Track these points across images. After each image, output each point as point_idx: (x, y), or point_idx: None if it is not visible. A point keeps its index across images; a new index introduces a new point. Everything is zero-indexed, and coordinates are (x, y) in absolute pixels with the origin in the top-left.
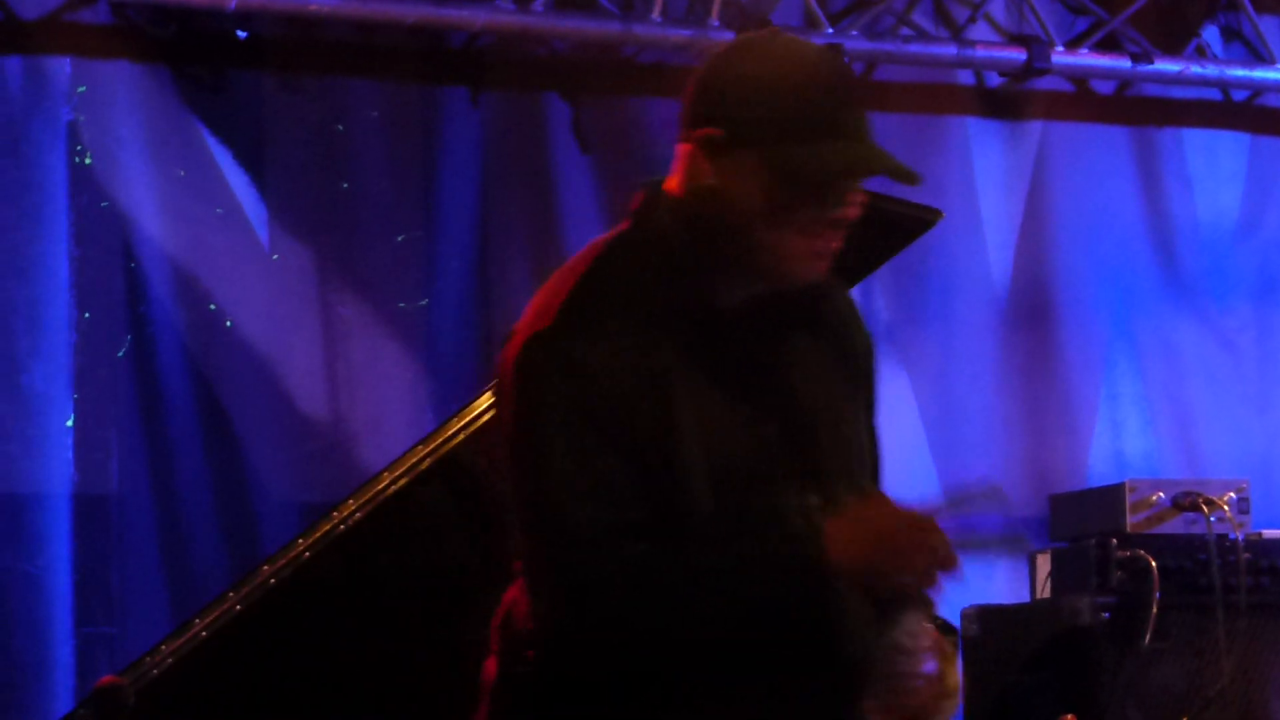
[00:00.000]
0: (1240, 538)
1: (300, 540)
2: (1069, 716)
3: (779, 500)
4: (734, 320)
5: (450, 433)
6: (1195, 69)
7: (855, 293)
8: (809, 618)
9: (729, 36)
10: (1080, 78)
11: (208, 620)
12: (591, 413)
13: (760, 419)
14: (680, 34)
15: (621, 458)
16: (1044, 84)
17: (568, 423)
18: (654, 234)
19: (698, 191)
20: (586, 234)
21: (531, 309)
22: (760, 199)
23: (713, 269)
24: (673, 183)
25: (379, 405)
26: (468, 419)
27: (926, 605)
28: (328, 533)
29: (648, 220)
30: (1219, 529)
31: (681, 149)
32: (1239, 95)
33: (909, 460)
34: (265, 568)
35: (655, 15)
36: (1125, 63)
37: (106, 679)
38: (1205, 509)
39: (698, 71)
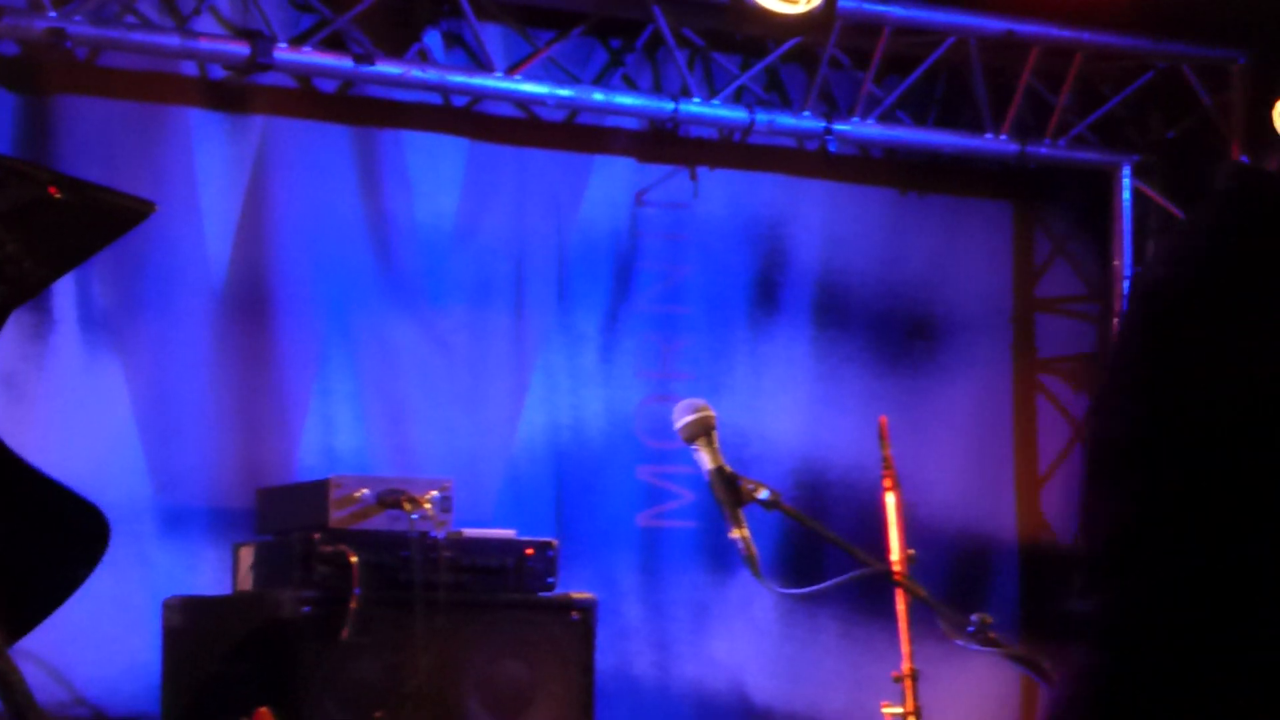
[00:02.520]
0: (442, 536)
1: None
2: (263, 710)
3: None
4: None
5: None
6: (416, 72)
7: (68, 281)
8: None
9: None
10: (304, 75)
11: None
12: None
13: None
14: None
15: None
16: (268, 79)
17: None
18: None
19: None
20: None
21: None
22: None
23: None
24: None
25: None
26: None
27: None
28: None
29: None
30: (421, 526)
31: None
32: (459, 101)
33: (118, 449)
34: None
35: None
36: (348, 62)
37: None
38: (408, 506)
39: None
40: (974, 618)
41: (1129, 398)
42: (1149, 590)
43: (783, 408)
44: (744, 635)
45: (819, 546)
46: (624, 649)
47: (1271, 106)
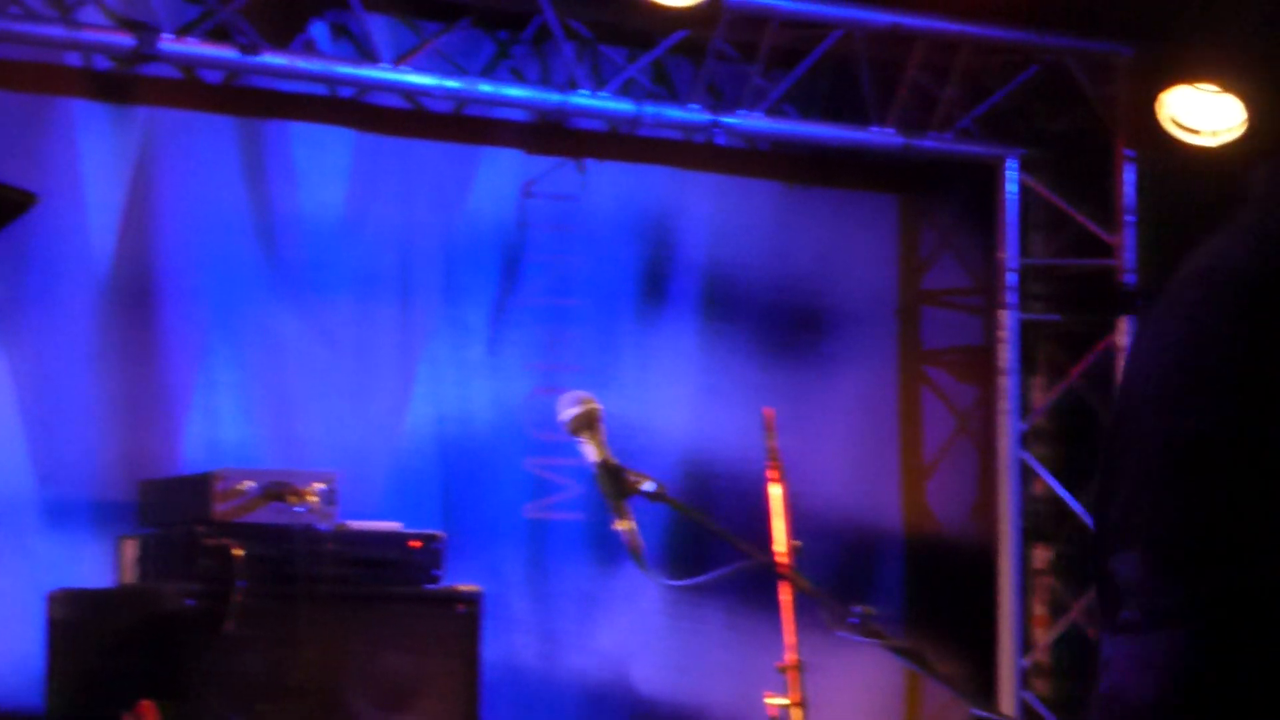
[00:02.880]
0: (327, 528)
1: None
2: (146, 703)
3: None
4: None
5: None
6: (302, 63)
7: None
8: None
9: None
10: (189, 66)
11: None
12: None
13: None
14: None
15: None
16: (153, 70)
17: None
18: None
19: None
20: None
21: None
22: None
23: None
24: None
25: None
26: None
27: None
28: None
29: None
30: (306, 519)
31: None
32: (345, 92)
33: (0, 441)
34: None
35: None
36: (234, 53)
37: None
38: (293, 499)
39: None
40: (857, 609)
41: (1215, 392)
42: (1254, 577)
43: (670, 400)
44: (630, 627)
45: (705, 538)
46: (510, 641)
47: (1156, 100)
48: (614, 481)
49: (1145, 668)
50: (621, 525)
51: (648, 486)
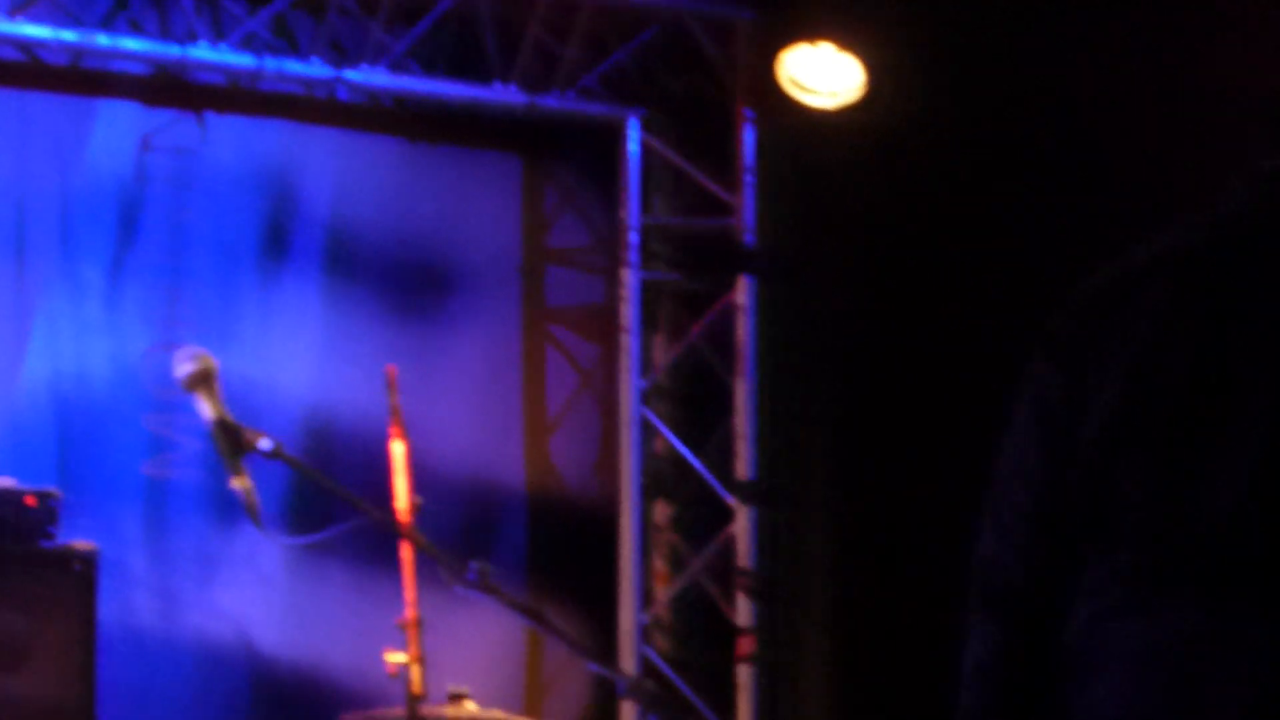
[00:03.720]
0: None
1: None
2: None
3: None
4: None
5: None
6: None
7: None
8: None
9: None
10: None
11: None
12: None
13: None
14: None
15: None
16: None
17: None
18: None
19: None
20: None
21: None
22: None
23: None
24: None
25: None
26: None
27: None
28: None
29: None
30: None
31: None
32: None
33: None
34: None
35: None
36: None
37: None
38: None
39: None
40: (474, 565)
41: None
42: None
43: (292, 357)
44: (250, 585)
45: (327, 497)
46: (128, 599)
47: (775, 61)
48: (230, 439)
49: None
50: (237, 483)
51: (264, 444)
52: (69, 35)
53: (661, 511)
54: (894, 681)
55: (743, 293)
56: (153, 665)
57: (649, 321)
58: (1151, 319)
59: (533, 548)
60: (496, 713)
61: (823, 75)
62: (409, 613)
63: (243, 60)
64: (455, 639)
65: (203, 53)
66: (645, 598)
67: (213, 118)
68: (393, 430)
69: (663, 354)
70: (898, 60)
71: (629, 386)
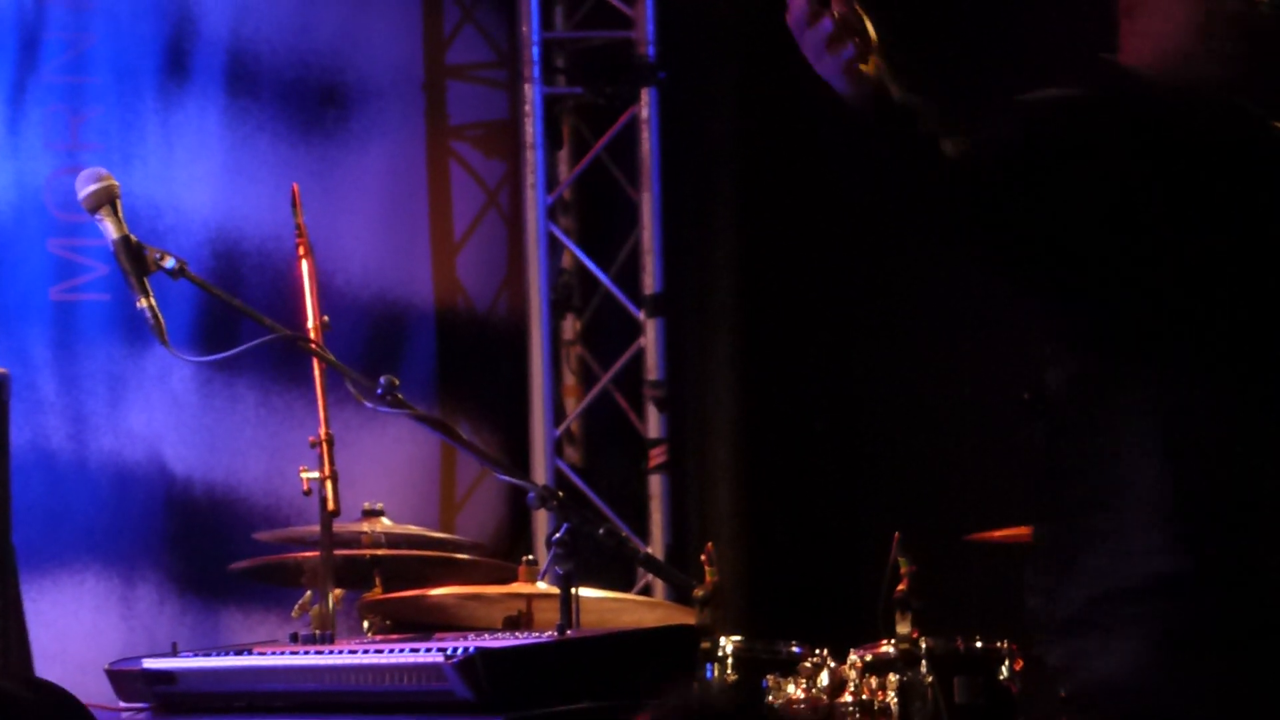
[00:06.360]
0: None
1: None
2: None
3: None
4: None
5: None
6: None
7: None
8: None
9: None
10: None
11: None
12: None
13: None
14: None
15: None
16: None
17: None
18: None
19: None
20: None
21: None
22: None
23: None
24: None
25: None
26: None
27: None
28: None
29: None
30: None
31: None
32: None
33: None
34: None
35: None
36: None
37: None
38: None
39: None
40: (382, 380)
41: None
42: None
43: (195, 177)
44: (162, 406)
45: (236, 317)
46: (39, 423)
47: None
48: (134, 259)
49: None
50: (143, 303)
51: (168, 263)
52: None
53: (570, 326)
54: (798, 488)
55: (646, 106)
56: (66, 488)
57: (552, 137)
58: None
59: (442, 365)
60: (411, 528)
61: None
62: (321, 430)
63: None
64: (369, 457)
65: None
66: (556, 412)
67: None
68: (299, 249)
69: (566, 169)
70: None
71: (534, 202)
